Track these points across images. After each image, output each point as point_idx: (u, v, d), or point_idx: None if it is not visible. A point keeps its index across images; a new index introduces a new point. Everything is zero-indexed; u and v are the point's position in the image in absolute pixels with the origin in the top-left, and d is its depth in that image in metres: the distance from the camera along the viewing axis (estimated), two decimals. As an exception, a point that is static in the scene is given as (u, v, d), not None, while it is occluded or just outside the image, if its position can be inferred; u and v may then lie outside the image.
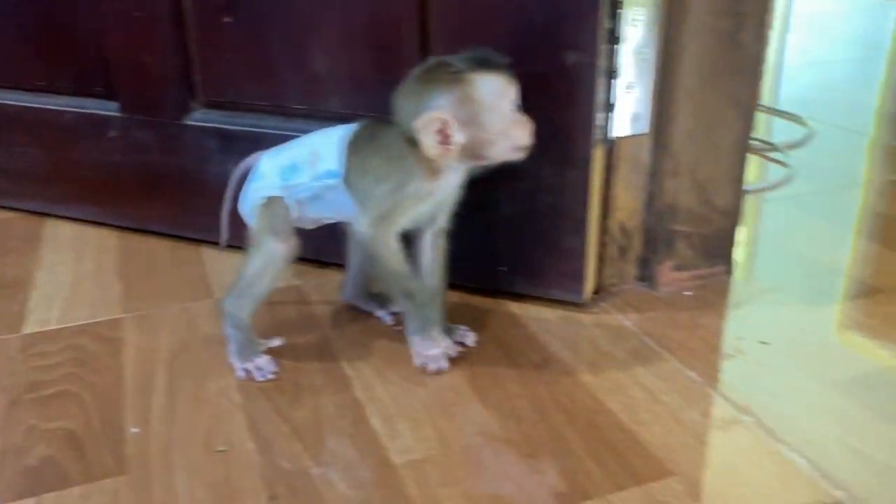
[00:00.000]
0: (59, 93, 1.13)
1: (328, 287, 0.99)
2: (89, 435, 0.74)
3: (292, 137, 0.97)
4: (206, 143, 1.05)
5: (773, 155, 1.47)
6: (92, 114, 1.11)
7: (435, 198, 0.78)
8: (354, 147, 0.78)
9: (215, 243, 1.10)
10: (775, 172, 1.39)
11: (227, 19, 0.97)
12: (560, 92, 0.84)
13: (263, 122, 1.01)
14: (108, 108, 1.10)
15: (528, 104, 0.81)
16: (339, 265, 0.96)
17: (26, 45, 1.12)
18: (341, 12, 0.91)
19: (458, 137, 0.72)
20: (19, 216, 1.23)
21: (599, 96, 0.85)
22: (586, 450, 0.70)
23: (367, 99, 0.94)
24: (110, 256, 1.10)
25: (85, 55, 1.09)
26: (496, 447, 0.71)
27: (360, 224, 0.78)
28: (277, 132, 0.99)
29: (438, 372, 0.81)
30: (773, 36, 2.66)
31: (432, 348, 0.82)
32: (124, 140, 1.10)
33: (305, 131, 0.97)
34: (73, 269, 1.06)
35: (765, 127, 1.69)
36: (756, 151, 1.47)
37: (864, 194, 1.29)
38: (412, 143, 0.74)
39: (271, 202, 0.81)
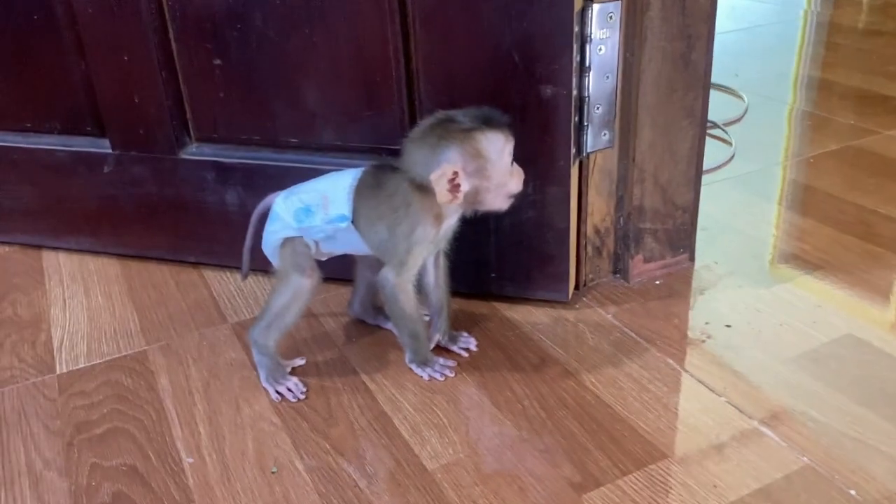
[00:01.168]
0: (47, 132, 1.18)
1: (333, 301, 1.08)
2: (150, 468, 0.82)
3: (287, 168, 1.06)
4: (203, 175, 1.11)
5: (715, 132, 1.60)
6: (85, 152, 1.16)
7: (438, 238, 0.88)
8: (362, 193, 0.87)
9: (215, 265, 1.18)
10: (718, 150, 1.52)
11: (217, 62, 1.03)
12: (539, 120, 0.93)
13: (258, 154, 1.08)
14: (100, 146, 1.15)
15: (512, 132, 0.90)
16: (339, 279, 1.05)
17: (10, 86, 1.16)
18: (328, 52, 0.98)
19: (465, 186, 0.81)
20: (14, 249, 1.27)
21: (573, 120, 0.94)
22: (591, 441, 0.82)
23: (357, 131, 1.02)
24: (117, 286, 1.16)
25: (72, 97, 1.13)
26: (514, 446, 0.82)
27: (387, 273, 0.87)
28: (272, 163, 1.07)
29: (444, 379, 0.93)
30: None
31: (430, 371, 0.93)
32: (119, 175, 1.16)
33: (299, 162, 1.06)
34: (85, 302, 1.13)
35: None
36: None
37: (798, 170, 1.42)
38: (418, 189, 0.83)
39: (290, 241, 0.89)
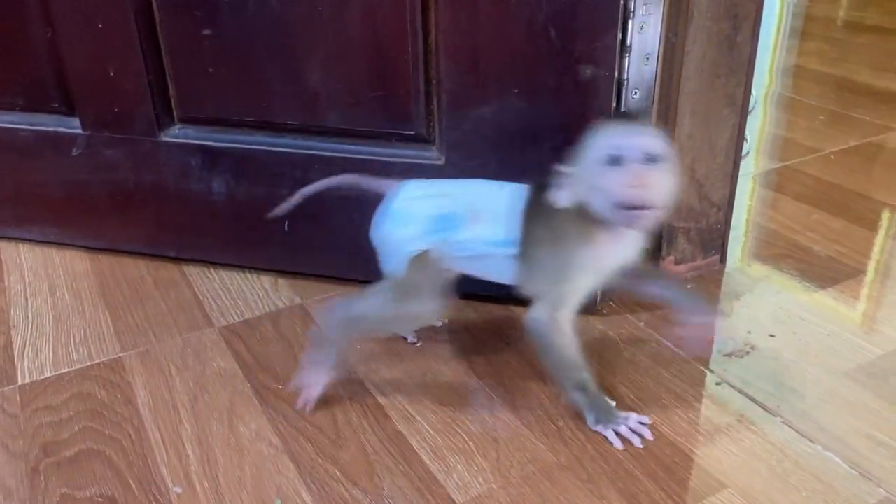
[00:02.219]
0: (8, 109, 1.04)
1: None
2: (130, 499, 0.71)
3: (284, 154, 0.95)
4: (187, 160, 0.99)
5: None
6: (52, 131, 1.03)
7: (607, 267, 0.74)
8: (527, 214, 0.73)
9: (198, 261, 1.06)
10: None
11: (206, 31, 0.91)
12: (575, 105, 0.83)
13: (251, 137, 0.97)
14: (68, 125, 1.03)
15: (542, 116, 0.81)
16: (340, 279, 0.94)
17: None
18: (335, 22, 0.87)
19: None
20: (-32, 240, 1.14)
21: (612, 105, 0.85)
22: (639, 468, 0.72)
23: (366, 114, 0.91)
24: (86, 283, 1.04)
25: (37, 68, 1.00)
26: (552, 474, 0.72)
27: (538, 312, 0.74)
28: (267, 148, 0.96)
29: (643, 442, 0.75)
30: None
31: (623, 429, 0.76)
32: (90, 158, 1.03)
33: (297, 148, 0.95)
34: (51, 301, 1.00)
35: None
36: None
37: (820, 167, 1.34)
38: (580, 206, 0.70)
39: (425, 255, 0.75)
